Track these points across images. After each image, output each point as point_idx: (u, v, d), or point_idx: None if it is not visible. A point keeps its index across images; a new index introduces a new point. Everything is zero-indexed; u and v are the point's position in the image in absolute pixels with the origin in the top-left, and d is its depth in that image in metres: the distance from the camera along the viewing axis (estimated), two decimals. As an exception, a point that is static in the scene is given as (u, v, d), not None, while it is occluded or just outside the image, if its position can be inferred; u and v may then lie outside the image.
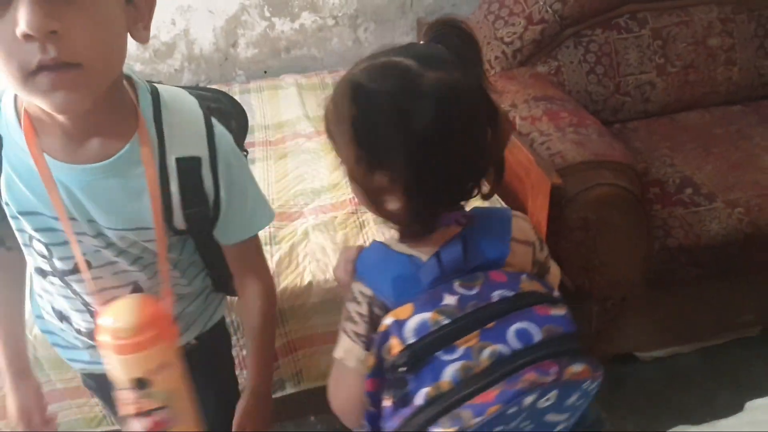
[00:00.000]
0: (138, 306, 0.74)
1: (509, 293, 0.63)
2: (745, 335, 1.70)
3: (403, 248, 0.69)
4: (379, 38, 2.27)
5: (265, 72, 2.19)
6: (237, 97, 2.08)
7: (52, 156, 0.68)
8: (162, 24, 2.12)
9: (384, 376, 0.63)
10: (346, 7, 2.20)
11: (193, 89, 0.85)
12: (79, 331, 0.84)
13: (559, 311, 0.65)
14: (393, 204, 0.64)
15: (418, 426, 0.58)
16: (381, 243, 0.70)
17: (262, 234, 1.42)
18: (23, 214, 0.71)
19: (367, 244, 0.73)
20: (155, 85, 0.75)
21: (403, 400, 0.59)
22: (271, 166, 1.73)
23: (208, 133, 0.75)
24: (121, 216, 0.73)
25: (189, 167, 0.73)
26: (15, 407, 0.88)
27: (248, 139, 1.86)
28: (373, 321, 0.65)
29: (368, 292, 0.67)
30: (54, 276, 0.78)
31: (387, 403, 0.62)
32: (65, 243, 0.73)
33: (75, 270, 0.76)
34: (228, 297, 1.01)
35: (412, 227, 0.68)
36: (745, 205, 1.48)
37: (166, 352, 0.75)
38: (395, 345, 0.60)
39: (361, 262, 0.70)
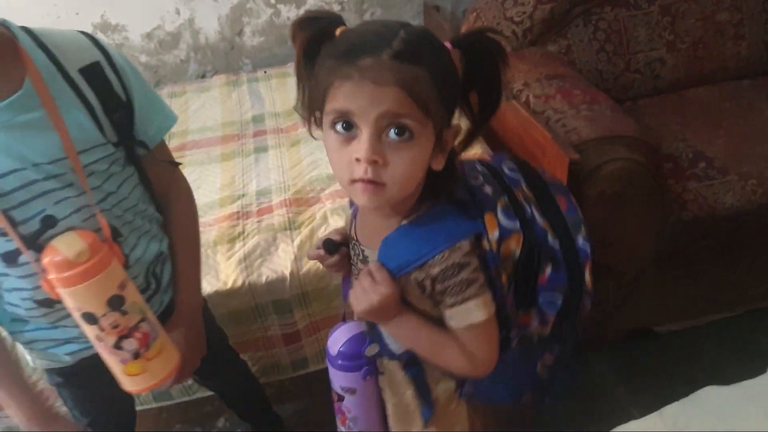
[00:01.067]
0: (75, 234, 0.76)
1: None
2: (758, 306, 1.72)
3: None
4: (385, 23, 2.27)
5: (265, 72, 2.18)
6: (245, 87, 2.12)
7: None
8: (166, 14, 2.12)
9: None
10: (352, -7, 2.21)
11: None
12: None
13: None
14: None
15: None
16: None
17: (282, 219, 1.45)
18: None
19: None
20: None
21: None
22: (284, 153, 1.74)
23: (93, 41, 0.81)
24: (53, 145, 0.74)
25: (93, 73, 0.79)
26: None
27: (259, 127, 1.89)
28: (483, 261, 0.74)
29: (467, 245, 0.72)
30: (21, 254, 0.76)
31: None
32: (21, 204, 0.73)
33: (44, 227, 0.76)
34: None
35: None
36: (758, 177, 1.49)
37: (119, 267, 0.79)
38: (515, 240, 0.76)
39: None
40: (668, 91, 1.88)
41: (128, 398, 1.10)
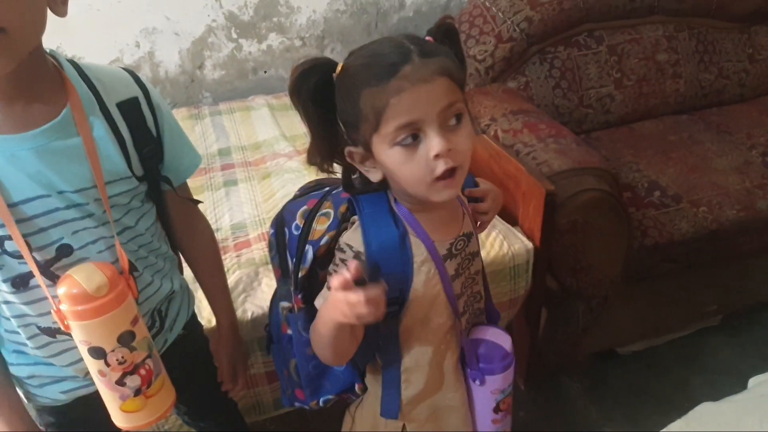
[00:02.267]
0: (94, 266, 0.74)
1: None
2: (708, 325, 1.85)
3: None
4: (346, 58, 2.31)
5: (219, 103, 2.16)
6: (207, 120, 2.10)
7: None
8: (126, 47, 2.08)
9: None
10: (313, 29, 2.24)
11: None
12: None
13: None
14: None
15: None
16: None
17: (262, 253, 1.43)
18: None
19: None
20: None
21: None
22: (256, 186, 1.72)
23: (133, 77, 0.83)
24: (81, 174, 0.74)
25: (130, 108, 0.80)
26: None
27: (226, 161, 1.87)
28: None
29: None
30: (34, 277, 0.75)
31: None
32: (40, 230, 0.72)
33: (59, 256, 0.75)
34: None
35: None
36: (707, 204, 1.62)
37: (133, 302, 0.78)
38: None
39: None
40: (618, 125, 2.02)
41: None
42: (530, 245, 1.42)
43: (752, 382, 1.00)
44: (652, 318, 1.74)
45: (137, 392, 0.78)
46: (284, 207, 0.90)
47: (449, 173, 0.70)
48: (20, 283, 0.75)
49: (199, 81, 2.22)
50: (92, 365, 0.76)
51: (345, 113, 0.72)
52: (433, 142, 0.68)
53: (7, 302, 0.77)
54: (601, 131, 1.99)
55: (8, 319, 0.79)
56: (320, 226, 0.82)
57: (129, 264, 0.80)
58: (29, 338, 0.79)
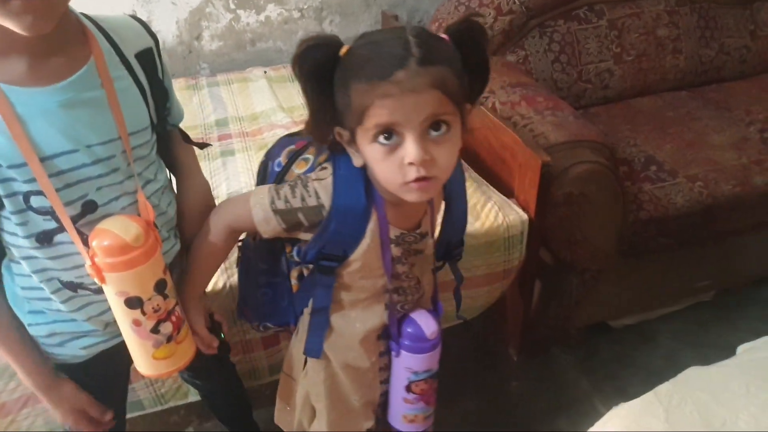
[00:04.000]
0: (125, 218, 0.76)
1: None
2: (701, 300, 1.86)
3: None
4: (344, 31, 2.30)
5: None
6: (205, 90, 2.09)
7: (20, 85, 0.69)
8: (122, 16, 2.06)
9: None
10: (311, 0, 2.22)
11: None
12: (99, 290, 0.81)
13: None
14: None
15: None
16: None
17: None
18: (14, 167, 0.70)
19: None
20: None
21: None
22: (253, 157, 1.72)
23: (144, 26, 0.84)
24: (107, 126, 0.75)
25: (147, 58, 0.81)
26: (65, 409, 0.89)
27: (223, 131, 1.87)
28: None
29: None
30: (60, 233, 0.76)
31: None
32: (66, 186, 0.73)
33: (84, 212, 0.76)
34: None
35: None
36: (703, 179, 1.62)
37: (161, 252, 0.79)
38: None
39: None
40: (616, 100, 2.01)
41: (122, 403, 1.09)
42: (525, 217, 1.42)
43: (740, 349, 1.02)
44: (645, 292, 1.75)
45: (169, 339, 0.81)
46: (279, 140, 0.93)
47: (422, 179, 0.71)
48: (44, 239, 0.76)
49: (197, 52, 2.20)
50: (127, 316, 0.77)
51: (338, 96, 0.73)
52: (409, 149, 0.69)
53: (28, 257, 0.77)
54: (600, 107, 1.98)
55: (28, 276, 0.79)
56: (298, 169, 0.86)
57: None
58: (53, 293, 0.80)
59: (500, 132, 1.50)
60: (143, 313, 0.77)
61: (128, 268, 0.73)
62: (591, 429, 0.84)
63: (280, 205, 0.81)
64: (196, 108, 1.97)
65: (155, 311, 0.78)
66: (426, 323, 0.91)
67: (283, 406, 1.09)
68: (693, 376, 0.89)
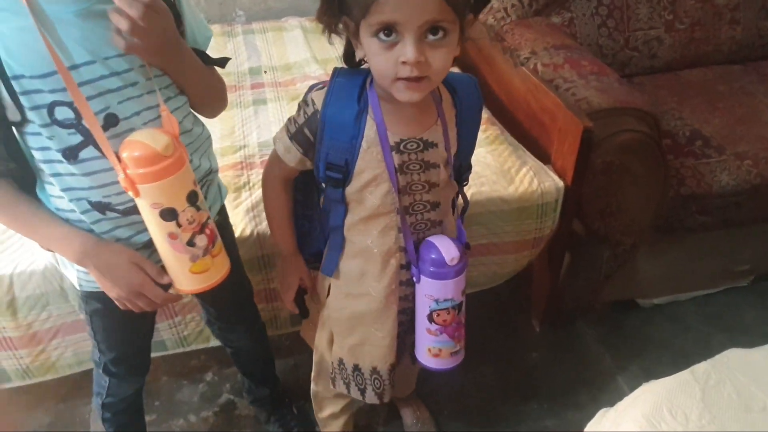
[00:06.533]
0: (152, 130, 0.76)
1: None
2: (737, 285, 1.80)
3: None
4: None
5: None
6: (240, 38, 2.06)
7: None
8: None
9: None
10: (353, -51, 2.15)
11: None
12: (126, 212, 0.82)
13: None
14: None
15: None
16: None
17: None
18: (41, 77, 0.70)
19: None
20: None
21: None
22: (284, 107, 1.70)
23: None
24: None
25: None
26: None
27: (255, 80, 1.84)
28: None
29: None
30: (84, 148, 0.75)
31: None
32: (87, 98, 0.72)
33: (106, 126, 0.75)
34: None
35: None
36: (753, 158, 1.54)
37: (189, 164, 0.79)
38: None
39: None
40: (663, 71, 1.92)
41: (148, 340, 1.10)
42: (561, 184, 1.37)
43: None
44: (678, 272, 1.69)
45: (205, 252, 0.82)
46: (309, 88, 0.91)
47: (414, 78, 0.74)
48: (70, 155, 0.76)
49: (233, -2, 2.17)
50: (162, 229, 0.77)
51: None
52: (406, 49, 0.73)
53: (57, 174, 0.77)
54: (645, 76, 1.89)
55: (60, 196, 0.80)
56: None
57: None
58: (82, 213, 0.80)
59: (541, 94, 1.44)
60: (179, 225, 0.77)
61: (161, 177, 0.73)
62: (620, 402, 0.80)
63: (293, 128, 0.88)
64: (230, 55, 1.92)
65: (189, 223, 0.78)
66: (446, 248, 0.89)
67: (308, 323, 1.19)
68: (733, 357, 0.85)
